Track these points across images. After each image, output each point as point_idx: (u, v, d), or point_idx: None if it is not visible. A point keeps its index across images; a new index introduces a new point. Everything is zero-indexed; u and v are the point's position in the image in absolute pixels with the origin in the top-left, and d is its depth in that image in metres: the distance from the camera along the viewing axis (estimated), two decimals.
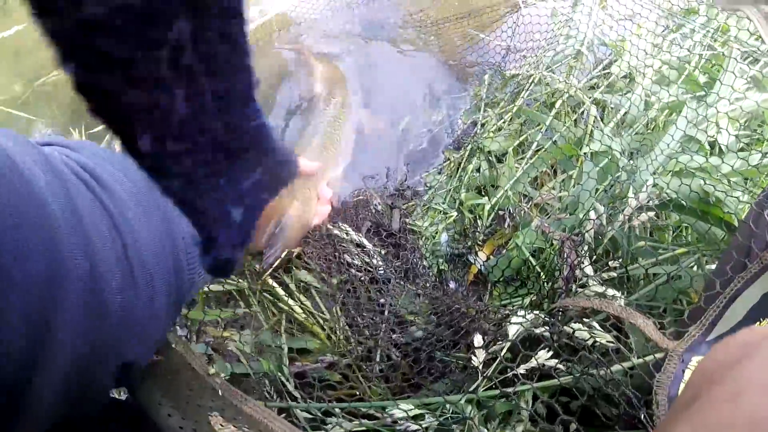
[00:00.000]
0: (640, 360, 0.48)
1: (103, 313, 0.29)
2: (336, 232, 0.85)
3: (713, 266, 0.58)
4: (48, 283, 0.25)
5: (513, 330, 0.53)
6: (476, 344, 0.52)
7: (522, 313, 0.56)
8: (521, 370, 0.48)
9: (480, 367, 0.50)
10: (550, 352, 0.48)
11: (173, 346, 0.42)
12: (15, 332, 0.24)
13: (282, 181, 0.28)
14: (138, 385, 0.38)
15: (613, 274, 0.63)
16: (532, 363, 0.47)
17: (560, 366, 0.48)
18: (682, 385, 0.39)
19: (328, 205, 0.81)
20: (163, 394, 0.36)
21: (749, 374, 0.18)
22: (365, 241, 0.85)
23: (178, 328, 0.74)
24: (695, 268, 0.61)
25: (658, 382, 0.40)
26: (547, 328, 0.52)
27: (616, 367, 0.47)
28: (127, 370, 0.33)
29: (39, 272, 0.24)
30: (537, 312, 0.55)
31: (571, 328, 0.51)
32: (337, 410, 0.57)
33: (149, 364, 0.40)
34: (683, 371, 0.40)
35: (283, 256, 0.77)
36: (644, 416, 0.41)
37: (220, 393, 0.38)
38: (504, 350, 0.52)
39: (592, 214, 0.65)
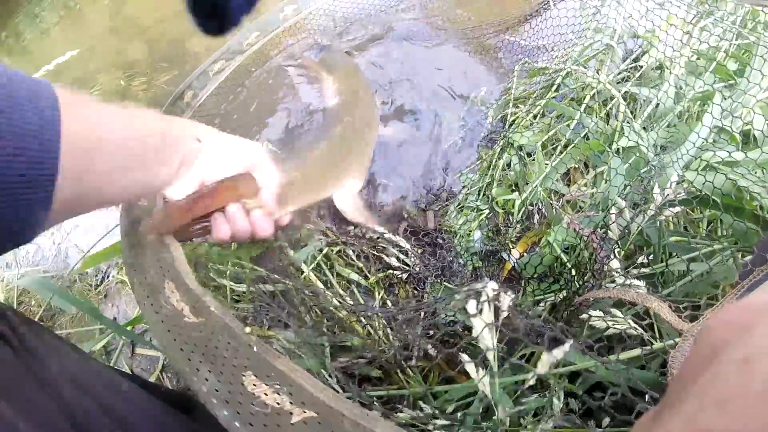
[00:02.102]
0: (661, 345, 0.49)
1: None
2: (371, 234, 0.88)
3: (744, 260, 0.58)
4: None
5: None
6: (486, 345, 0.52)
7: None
8: (541, 370, 0.49)
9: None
10: (567, 346, 0.49)
11: (212, 309, 0.45)
12: None
13: None
14: (177, 351, 0.40)
15: (644, 270, 0.64)
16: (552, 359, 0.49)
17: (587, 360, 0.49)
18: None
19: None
20: (200, 359, 0.38)
21: (761, 339, 0.17)
22: (401, 240, 0.88)
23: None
24: (730, 262, 0.61)
25: (672, 358, 0.40)
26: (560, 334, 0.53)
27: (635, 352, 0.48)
28: None
29: None
30: (556, 322, 0.57)
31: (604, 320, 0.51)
32: (376, 404, 0.60)
33: (189, 326, 0.42)
34: None
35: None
36: None
37: (254, 349, 0.40)
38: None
39: (614, 210, 0.66)
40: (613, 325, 0.50)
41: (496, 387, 0.50)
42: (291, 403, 0.35)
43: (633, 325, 0.51)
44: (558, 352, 0.42)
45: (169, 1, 2.01)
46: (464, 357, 0.47)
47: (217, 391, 0.36)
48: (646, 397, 0.44)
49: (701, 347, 0.20)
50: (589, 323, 0.52)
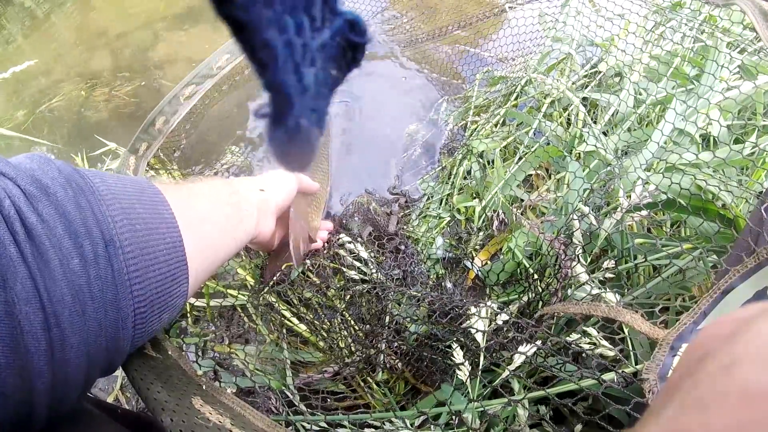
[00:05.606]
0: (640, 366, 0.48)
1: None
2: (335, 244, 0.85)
3: (712, 258, 0.57)
4: None
5: (481, 326, 0.53)
6: (457, 360, 0.52)
7: (506, 312, 0.56)
8: (511, 367, 0.47)
9: (467, 381, 0.50)
10: (533, 347, 0.48)
11: (169, 353, 0.46)
12: None
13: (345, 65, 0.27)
14: (135, 369, 0.40)
15: (609, 275, 0.62)
16: (518, 361, 0.47)
17: (550, 363, 0.47)
18: (671, 372, 0.38)
19: (326, 231, 0.86)
20: (155, 377, 0.40)
21: (744, 345, 0.17)
22: (362, 249, 0.84)
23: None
24: (696, 263, 0.60)
25: (647, 369, 0.39)
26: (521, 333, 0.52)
27: (609, 376, 0.46)
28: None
29: None
30: (524, 319, 0.55)
31: (565, 340, 0.50)
32: (345, 422, 0.57)
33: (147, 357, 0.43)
34: (674, 357, 0.39)
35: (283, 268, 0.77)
36: None
37: (203, 388, 0.42)
38: (482, 358, 0.52)
39: (576, 215, 0.64)
40: (592, 350, 0.48)
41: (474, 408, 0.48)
42: (232, 424, 0.36)
43: (608, 345, 0.49)
44: (525, 349, 0.41)
45: (134, 11, 2.00)
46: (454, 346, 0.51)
47: (166, 402, 0.36)
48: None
49: (687, 360, 0.20)
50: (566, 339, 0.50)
